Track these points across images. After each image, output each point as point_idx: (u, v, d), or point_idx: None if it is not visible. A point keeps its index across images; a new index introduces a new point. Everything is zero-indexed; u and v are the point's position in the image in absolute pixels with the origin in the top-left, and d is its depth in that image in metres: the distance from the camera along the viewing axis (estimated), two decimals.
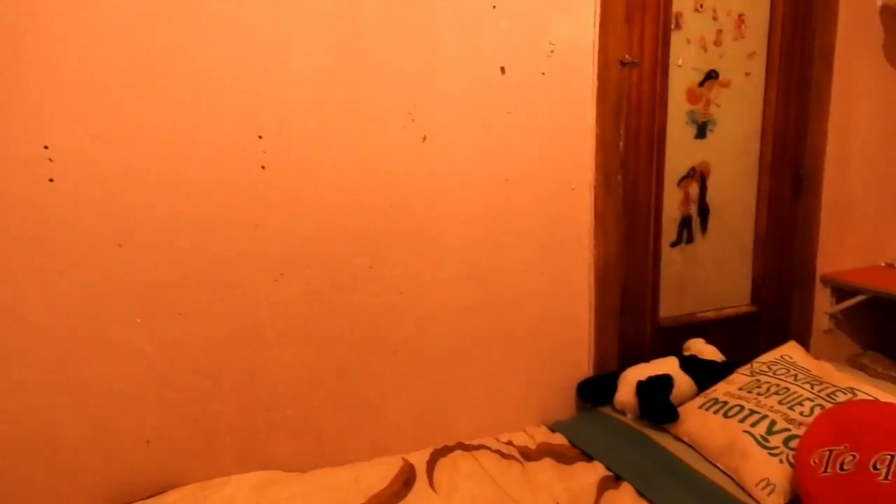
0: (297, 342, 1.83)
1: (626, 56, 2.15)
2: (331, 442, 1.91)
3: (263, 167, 1.71)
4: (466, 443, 1.94)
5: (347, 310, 1.87)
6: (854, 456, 1.55)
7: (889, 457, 1.52)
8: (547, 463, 1.84)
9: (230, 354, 1.76)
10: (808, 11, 2.46)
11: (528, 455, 1.90)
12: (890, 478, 1.48)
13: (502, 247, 2.06)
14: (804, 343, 2.68)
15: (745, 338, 2.60)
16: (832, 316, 2.75)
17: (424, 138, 1.89)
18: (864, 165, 2.71)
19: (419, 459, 1.83)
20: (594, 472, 1.79)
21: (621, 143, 2.21)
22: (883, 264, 2.84)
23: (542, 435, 2.02)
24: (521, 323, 2.14)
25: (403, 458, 1.84)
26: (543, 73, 2.02)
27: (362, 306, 1.89)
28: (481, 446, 1.91)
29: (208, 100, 1.64)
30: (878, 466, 1.51)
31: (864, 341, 2.88)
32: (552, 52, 2.02)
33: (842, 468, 1.54)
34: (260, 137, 1.70)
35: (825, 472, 1.56)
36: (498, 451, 1.89)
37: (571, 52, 2.06)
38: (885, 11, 2.55)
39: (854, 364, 2.76)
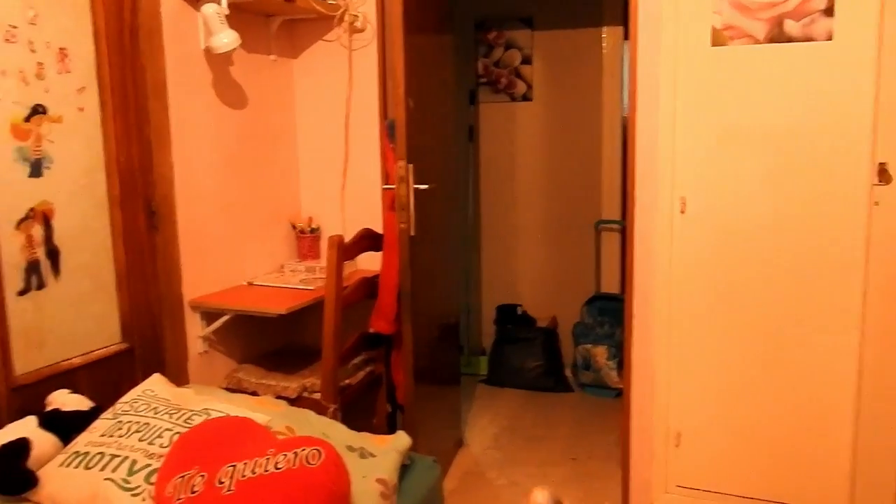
0: None
1: None
2: None
3: None
4: None
5: None
6: (203, 476, 1.63)
7: (231, 468, 1.64)
8: None
9: None
10: (134, 49, 2.51)
11: None
12: (233, 488, 1.60)
13: None
14: (182, 369, 2.75)
15: (120, 377, 2.54)
16: (205, 338, 2.89)
17: None
18: (213, 194, 2.92)
19: None
20: None
21: None
22: (245, 283, 3.11)
23: None
24: None
25: None
26: None
27: None
28: None
29: None
30: (223, 480, 1.62)
31: (239, 356, 3.12)
32: None
33: (192, 491, 1.61)
34: None
35: (178, 499, 1.60)
36: None
37: None
38: (209, 53, 2.79)
39: (231, 379, 2.96)
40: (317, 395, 2.74)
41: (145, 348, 2.66)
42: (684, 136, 2.51)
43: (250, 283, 3.11)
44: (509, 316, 4.57)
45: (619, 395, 3.96)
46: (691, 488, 2.66)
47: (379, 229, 3.03)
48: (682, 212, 2.53)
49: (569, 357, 4.45)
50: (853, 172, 2.33)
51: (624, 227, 4.24)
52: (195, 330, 2.86)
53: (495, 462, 3.34)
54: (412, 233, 2.78)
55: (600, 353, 4.14)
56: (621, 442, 2.74)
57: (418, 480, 1.98)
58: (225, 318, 2.84)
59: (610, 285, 4.46)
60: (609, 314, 4.23)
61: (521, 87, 4.54)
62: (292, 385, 2.80)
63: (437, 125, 3.17)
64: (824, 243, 2.39)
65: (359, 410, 2.91)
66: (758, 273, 2.47)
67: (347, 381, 2.90)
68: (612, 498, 2.93)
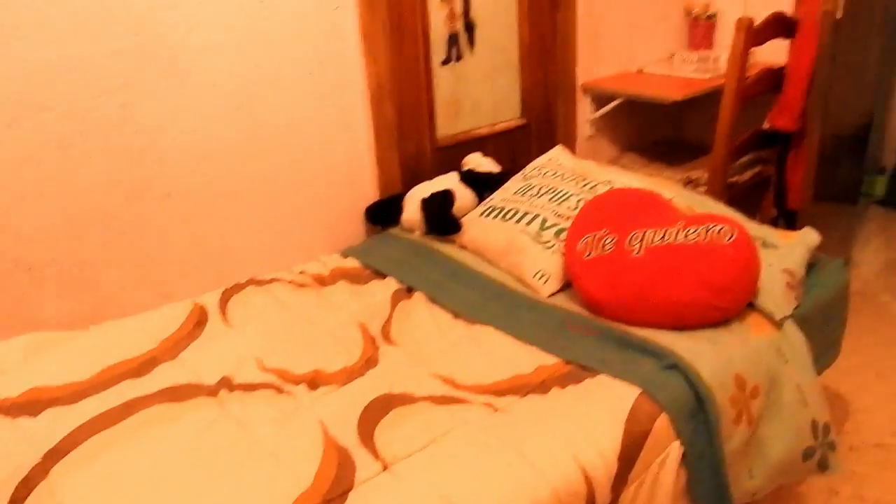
0: (52, 194, 1.64)
1: None
2: (111, 296, 1.80)
3: None
4: (259, 278, 1.91)
5: (104, 155, 1.70)
6: (613, 237, 1.72)
7: (641, 234, 1.70)
8: (341, 285, 1.88)
9: None
10: None
11: (322, 281, 1.91)
12: (643, 252, 1.67)
13: (269, 75, 1.95)
14: (570, 149, 2.87)
15: (518, 148, 2.73)
16: (593, 122, 2.96)
17: None
18: None
19: (210, 300, 1.78)
20: (387, 287, 1.86)
21: None
22: (634, 70, 3.05)
23: (335, 261, 2.04)
24: (300, 152, 2.09)
25: (194, 302, 1.78)
26: None
27: (121, 149, 1.72)
28: (274, 280, 1.90)
29: None
30: (632, 243, 1.69)
31: (623, 144, 3.15)
32: None
33: (603, 249, 1.71)
34: None
35: (589, 255, 1.72)
36: (292, 282, 1.89)
37: None
38: None
39: (615, 165, 3.02)
40: (701, 189, 2.67)
41: (539, 126, 2.80)
42: None
43: (640, 71, 3.05)
44: None
45: None
46: None
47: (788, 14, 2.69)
48: None
49: None
50: None
51: None
52: (584, 114, 2.92)
53: (889, 286, 3.03)
54: (838, 16, 2.43)
55: None
56: None
57: (825, 279, 1.87)
58: (615, 102, 2.84)
59: None
60: None
61: None
62: (676, 176, 2.77)
63: None
64: None
65: (742, 211, 2.80)
66: None
67: (735, 179, 2.77)
68: None
